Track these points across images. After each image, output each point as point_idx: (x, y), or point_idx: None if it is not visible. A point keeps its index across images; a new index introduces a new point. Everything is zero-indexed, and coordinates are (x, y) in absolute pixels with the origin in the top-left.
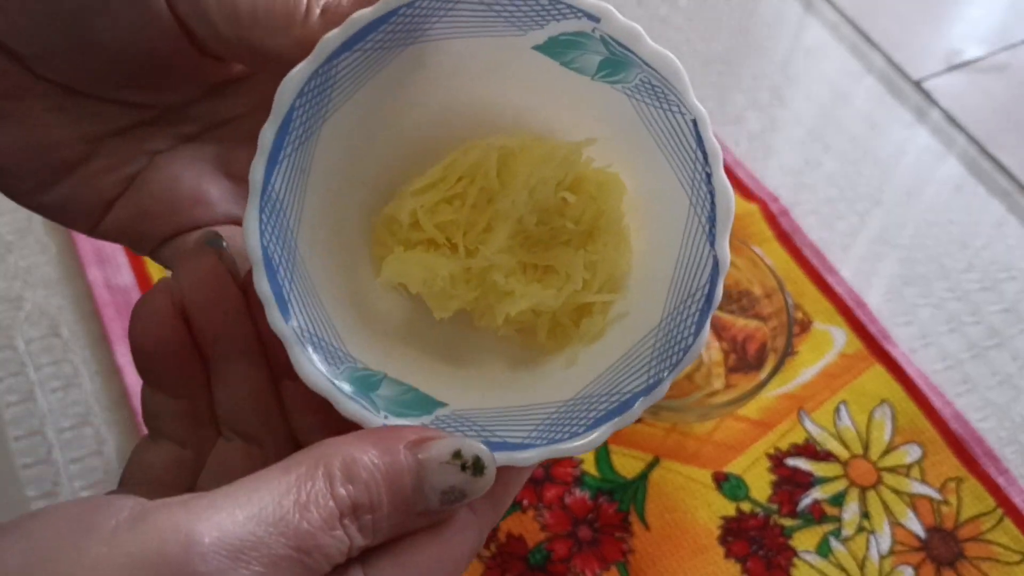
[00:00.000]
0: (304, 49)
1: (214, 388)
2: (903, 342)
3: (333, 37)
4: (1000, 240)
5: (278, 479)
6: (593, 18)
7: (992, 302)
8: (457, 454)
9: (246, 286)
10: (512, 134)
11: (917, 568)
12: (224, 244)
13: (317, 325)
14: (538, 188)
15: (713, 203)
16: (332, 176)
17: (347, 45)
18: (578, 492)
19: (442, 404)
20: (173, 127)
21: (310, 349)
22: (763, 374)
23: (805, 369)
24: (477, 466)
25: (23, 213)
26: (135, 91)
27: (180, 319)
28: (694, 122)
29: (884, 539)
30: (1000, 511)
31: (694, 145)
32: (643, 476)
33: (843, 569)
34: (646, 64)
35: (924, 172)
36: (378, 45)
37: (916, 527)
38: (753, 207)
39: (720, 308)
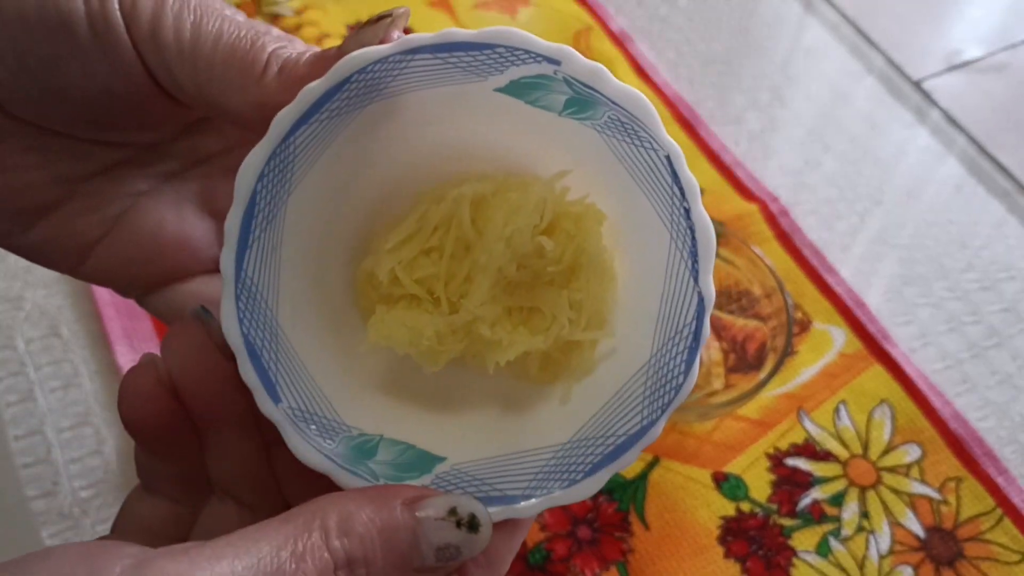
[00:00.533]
0: (260, 109)
1: (207, 456)
2: (903, 342)
3: (287, 113)
4: (1000, 240)
5: (276, 531)
6: (553, 61)
7: (992, 302)
8: (453, 511)
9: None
10: (484, 174)
11: (916, 568)
12: (211, 316)
13: (308, 400)
14: (515, 237)
15: (694, 238)
16: (306, 243)
17: (303, 120)
18: None
19: (441, 459)
20: (153, 166)
21: (303, 426)
22: (763, 374)
23: (805, 369)
24: (473, 523)
25: None
26: (110, 132)
27: (168, 394)
28: (667, 158)
29: (883, 539)
30: (999, 511)
31: (670, 181)
32: (643, 476)
33: (842, 569)
34: (613, 103)
35: (924, 172)
36: (335, 111)
37: (915, 527)
38: (753, 207)
39: (720, 308)
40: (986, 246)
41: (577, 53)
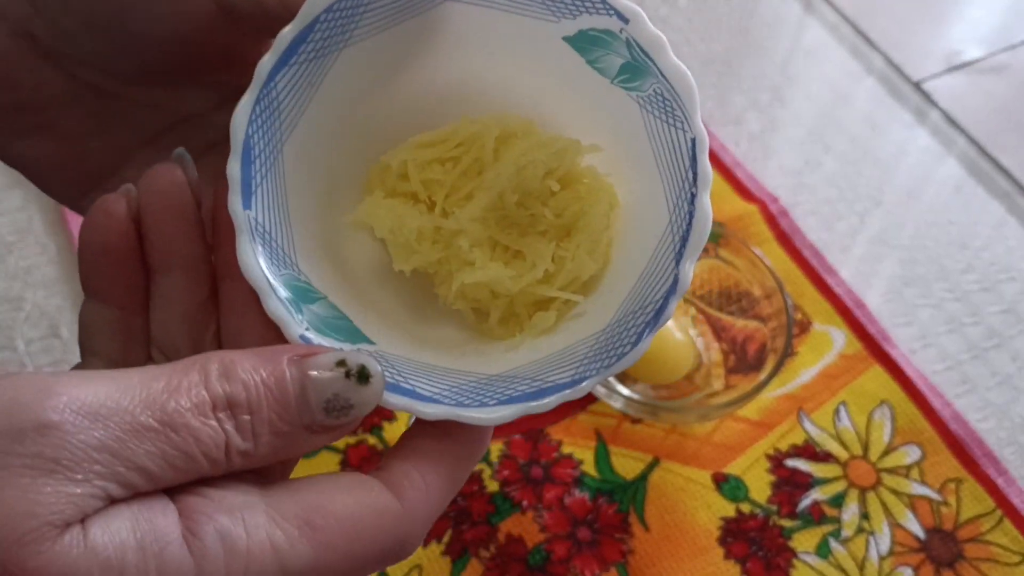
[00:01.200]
0: (286, 6)
1: (151, 303)
2: (902, 343)
3: (266, 61)
4: (1000, 241)
5: (154, 370)
6: (623, 19)
7: (991, 303)
8: (342, 363)
9: (213, 211)
10: (524, 119)
11: (916, 569)
12: (191, 163)
13: (274, 227)
14: (527, 168)
15: (690, 224)
16: (338, 108)
17: (280, 64)
18: (577, 493)
19: (370, 342)
20: (197, 134)
21: (259, 243)
22: (763, 375)
23: (804, 370)
24: (362, 375)
25: (23, 214)
26: (168, 88)
27: (132, 226)
28: (693, 141)
29: (883, 540)
30: (999, 512)
31: (687, 164)
32: (643, 477)
33: (842, 570)
34: (663, 76)
35: (924, 173)
36: (313, 55)
37: (915, 528)
38: (752, 208)
39: (720, 309)
40: (986, 247)
41: (646, 17)
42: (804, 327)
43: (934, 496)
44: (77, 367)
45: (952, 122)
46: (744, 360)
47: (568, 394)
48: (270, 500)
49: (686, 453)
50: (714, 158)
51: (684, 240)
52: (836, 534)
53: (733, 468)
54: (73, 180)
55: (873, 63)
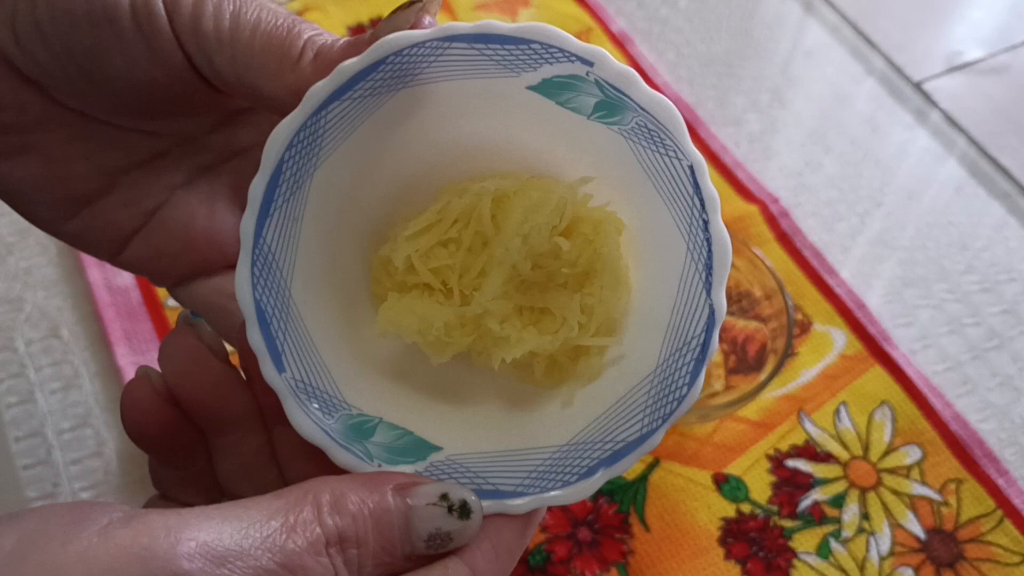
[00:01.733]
0: (296, 94)
1: (214, 459)
2: (903, 343)
3: (321, 87)
4: (1000, 242)
5: (268, 503)
6: (587, 62)
7: (992, 303)
8: (444, 496)
9: (238, 355)
10: (508, 172)
11: (917, 569)
12: (200, 320)
13: (312, 374)
14: (532, 235)
15: (710, 251)
16: (326, 221)
17: (336, 95)
18: None
19: (437, 448)
20: (190, 158)
21: (304, 399)
22: (763, 375)
23: (805, 370)
24: (464, 510)
25: None
26: (151, 121)
27: (166, 403)
28: (691, 168)
29: (884, 540)
30: (1000, 512)
31: (691, 191)
32: (643, 477)
33: (843, 570)
34: (641, 108)
35: (924, 174)
36: (368, 92)
37: (916, 528)
38: (753, 208)
39: None
40: (987, 248)
41: (610, 56)
42: (805, 327)
43: (935, 496)
44: (153, 501)
45: (953, 123)
46: (745, 361)
47: (642, 450)
48: None
49: (686, 453)
50: (714, 159)
51: (709, 268)
52: (837, 534)
53: (734, 468)
54: (58, 203)
55: (874, 64)
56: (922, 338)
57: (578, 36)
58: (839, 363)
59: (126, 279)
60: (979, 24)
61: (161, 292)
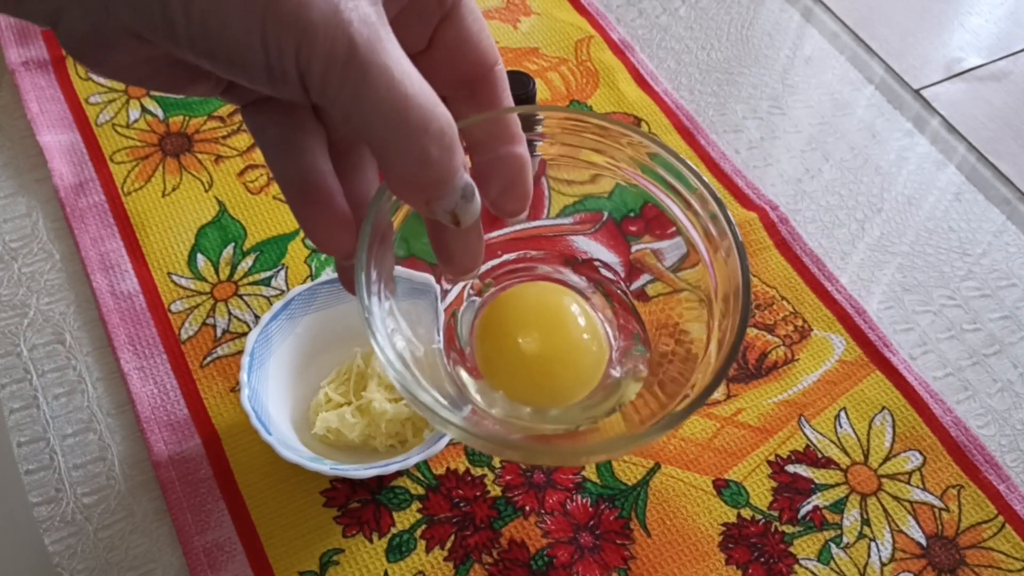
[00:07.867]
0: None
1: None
2: (903, 349)
3: (266, 317)
4: (999, 248)
5: None
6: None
7: (992, 309)
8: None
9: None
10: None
11: (918, 575)
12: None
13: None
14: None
15: None
16: (281, 381)
17: (272, 318)
18: (579, 498)
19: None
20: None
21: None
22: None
23: (805, 376)
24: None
25: (28, 220)
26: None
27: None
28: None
29: (885, 546)
30: (1001, 518)
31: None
32: (644, 482)
33: None
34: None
35: (924, 180)
36: (288, 315)
37: (917, 534)
38: (753, 215)
39: None
40: (986, 254)
41: None
42: (804, 333)
43: (935, 502)
44: None
45: (952, 129)
46: (745, 368)
47: None
48: None
49: (687, 458)
50: (714, 166)
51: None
52: (837, 540)
53: (734, 474)
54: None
55: (873, 71)
56: (922, 344)
57: (578, 44)
58: (839, 369)
59: (130, 285)
60: (978, 31)
61: (165, 298)
